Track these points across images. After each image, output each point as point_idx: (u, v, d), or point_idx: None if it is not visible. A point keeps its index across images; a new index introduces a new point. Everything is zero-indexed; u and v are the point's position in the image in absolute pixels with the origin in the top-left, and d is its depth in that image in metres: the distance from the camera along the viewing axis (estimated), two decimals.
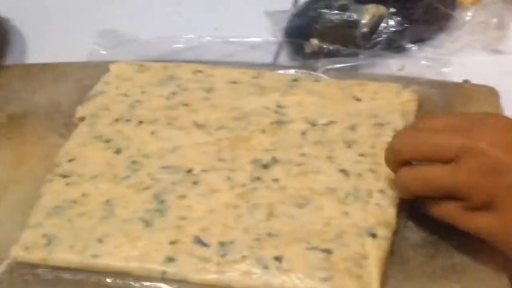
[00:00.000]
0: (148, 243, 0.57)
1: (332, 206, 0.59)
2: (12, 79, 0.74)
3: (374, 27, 0.74)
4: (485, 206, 0.52)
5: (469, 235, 0.54)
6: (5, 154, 0.67)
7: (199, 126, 0.66)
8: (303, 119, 0.66)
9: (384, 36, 0.73)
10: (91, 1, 0.86)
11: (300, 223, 0.58)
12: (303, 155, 0.63)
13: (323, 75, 0.70)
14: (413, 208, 0.58)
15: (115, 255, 0.57)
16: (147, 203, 0.60)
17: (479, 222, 0.53)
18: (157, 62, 0.73)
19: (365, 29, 0.74)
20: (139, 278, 0.56)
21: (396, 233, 0.58)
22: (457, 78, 0.70)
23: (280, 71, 0.71)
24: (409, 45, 0.75)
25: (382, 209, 0.58)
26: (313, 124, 0.65)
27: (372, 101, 0.67)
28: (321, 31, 0.74)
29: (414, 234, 0.57)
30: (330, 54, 0.73)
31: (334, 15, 0.74)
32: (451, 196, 0.54)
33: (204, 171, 0.62)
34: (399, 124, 0.64)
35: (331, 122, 0.65)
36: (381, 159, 0.61)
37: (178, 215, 0.59)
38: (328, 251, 0.56)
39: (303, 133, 0.64)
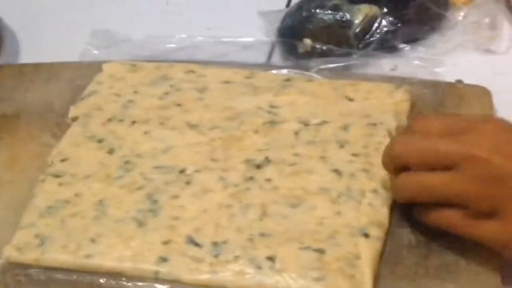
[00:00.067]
0: (141, 243, 0.57)
1: (325, 206, 0.59)
2: (4, 78, 0.74)
3: (367, 27, 0.74)
4: (488, 214, 0.52)
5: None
6: None
7: (192, 126, 0.66)
8: (296, 119, 0.66)
9: (377, 36, 0.74)
10: (84, 1, 0.86)
11: (293, 223, 0.58)
12: (296, 155, 0.63)
13: (316, 75, 0.70)
14: (406, 208, 0.58)
15: (108, 255, 0.57)
16: (140, 203, 0.60)
17: (481, 230, 0.53)
18: (150, 62, 0.73)
19: (358, 29, 0.74)
20: (132, 278, 0.56)
21: (389, 233, 0.58)
22: (450, 78, 0.70)
23: (273, 71, 0.71)
24: (401, 45, 0.75)
25: (375, 209, 0.58)
26: (306, 124, 0.65)
27: (365, 101, 0.67)
28: (314, 31, 0.74)
29: (407, 234, 0.58)
30: (323, 54, 0.73)
31: (327, 15, 0.74)
32: (450, 203, 0.54)
33: (197, 171, 0.62)
34: (391, 124, 0.65)
35: (324, 122, 0.65)
36: (374, 159, 0.61)
37: (171, 215, 0.59)
38: (321, 251, 0.56)
39: (296, 133, 0.65)
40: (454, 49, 0.75)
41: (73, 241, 0.58)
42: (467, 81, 0.69)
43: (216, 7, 0.83)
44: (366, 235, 0.57)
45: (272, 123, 0.66)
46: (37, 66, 0.74)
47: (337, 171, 0.61)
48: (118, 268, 0.56)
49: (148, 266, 0.56)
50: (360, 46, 0.73)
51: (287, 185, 0.60)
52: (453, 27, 0.76)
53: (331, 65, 0.72)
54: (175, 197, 0.60)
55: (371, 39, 0.74)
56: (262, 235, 0.57)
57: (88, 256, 0.57)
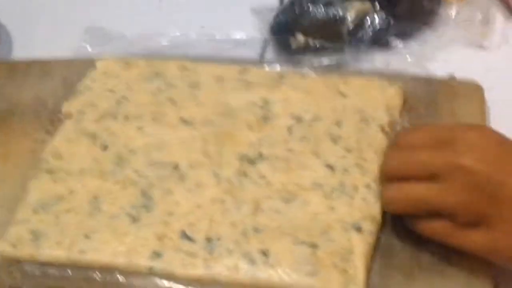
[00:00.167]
0: (135, 239, 0.58)
1: (318, 201, 0.59)
2: None
3: (359, 23, 0.74)
4: (475, 223, 0.53)
5: None
6: None
7: (185, 122, 0.66)
8: (289, 115, 0.66)
9: (370, 32, 0.74)
10: None
11: (286, 218, 0.58)
12: (289, 150, 0.63)
13: (309, 71, 0.70)
14: None
15: (102, 251, 0.57)
16: (133, 199, 0.60)
17: (469, 239, 0.53)
18: (143, 58, 0.73)
19: (350, 25, 0.74)
20: (126, 273, 0.56)
21: (382, 227, 0.58)
22: (442, 73, 0.70)
23: (266, 67, 0.71)
24: (394, 41, 0.75)
25: (368, 204, 0.59)
26: (299, 120, 0.65)
27: (358, 97, 0.67)
28: (307, 27, 0.74)
29: (400, 228, 0.58)
30: (316, 50, 0.73)
31: (319, 11, 0.74)
32: (437, 213, 0.54)
33: (190, 166, 0.62)
34: (384, 119, 0.65)
35: (317, 118, 0.65)
36: (367, 154, 0.62)
37: (165, 211, 0.59)
38: (314, 246, 0.56)
39: (289, 128, 0.65)
40: (447, 45, 0.75)
41: (67, 236, 0.58)
42: (459, 76, 0.70)
43: (209, 4, 0.83)
44: (359, 230, 0.57)
45: (265, 119, 0.66)
46: (30, 63, 0.74)
47: (330, 167, 0.61)
48: (112, 264, 0.57)
49: (142, 261, 0.56)
50: (353, 42, 0.73)
51: (281, 181, 0.61)
52: (445, 23, 0.76)
53: (324, 61, 0.72)
54: (169, 192, 0.60)
55: (364, 35, 0.74)
56: (256, 230, 0.57)
57: (82, 251, 0.57)
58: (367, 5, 0.74)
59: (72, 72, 0.72)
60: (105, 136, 0.65)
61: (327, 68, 0.72)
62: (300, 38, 0.74)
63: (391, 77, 0.69)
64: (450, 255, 0.55)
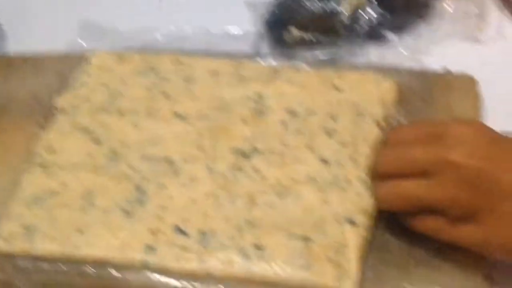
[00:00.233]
0: (128, 233, 0.57)
1: (312, 195, 0.59)
2: None
3: (354, 17, 0.74)
4: (466, 218, 0.53)
5: None
6: None
7: (179, 116, 0.66)
8: (284, 109, 0.66)
9: (365, 25, 0.74)
10: None
11: (281, 212, 0.58)
12: (283, 144, 0.63)
13: (303, 65, 0.70)
14: None
15: (96, 245, 0.57)
16: (127, 194, 0.60)
17: (462, 234, 0.53)
18: (137, 53, 0.73)
19: (345, 19, 0.74)
20: (120, 267, 0.56)
21: (376, 221, 0.58)
22: (437, 67, 0.70)
23: (261, 61, 0.71)
24: (389, 35, 0.75)
25: (362, 197, 0.58)
26: (294, 114, 0.65)
27: (352, 91, 0.67)
28: (301, 21, 0.74)
29: (393, 221, 0.58)
30: (310, 44, 0.73)
31: (314, 5, 0.74)
32: (429, 209, 0.54)
33: (184, 161, 0.62)
34: (379, 113, 0.65)
35: (311, 112, 0.65)
36: (361, 148, 0.62)
37: (159, 205, 0.59)
38: (308, 240, 0.56)
39: (284, 123, 0.65)
40: (442, 39, 0.75)
41: (60, 231, 0.58)
42: (454, 70, 0.69)
43: None
44: (353, 223, 0.57)
45: (260, 113, 0.66)
46: (24, 57, 0.74)
47: (324, 161, 0.61)
48: (106, 258, 0.57)
49: (136, 255, 0.56)
50: (348, 35, 0.73)
51: (275, 175, 0.61)
52: (440, 17, 0.76)
53: (318, 55, 0.72)
54: (163, 187, 0.60)
55: (359, 29, 0.74)
56: (250, 224, 0.57)
57: (76, 246, 0.57)
58: None
59: (66, 66, 0.72)
60: (99, 131, 0.65)
61: (322, 62, 0.71)
62: (295, 32, 0.74)
63: (386, 71, 0.69)
64: (444, 249, 0.55)
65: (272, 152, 0.62)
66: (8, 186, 0.62)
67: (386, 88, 0.67)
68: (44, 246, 0.57)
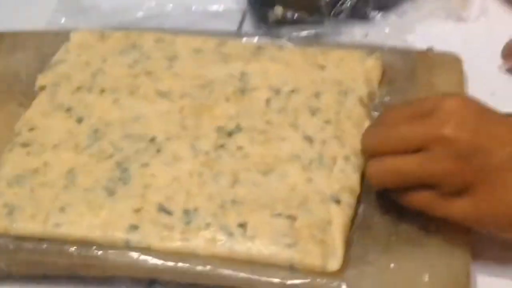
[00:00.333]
0: (111, 212, 0.57)
1: (296, 173, 0.58)
2: None
3: None
4: (458, 192, 0.52)
5: None
6: None
7: (162, 94, 0.65)
8: (267, 87, 0.65)
9: (349, 3, 0.73)
10: None
11: (265, 190, 0.58)
12: (267, 122, 0.62)
13: (287, 43, 0.70)
14: None
15: (78, 224, 0.56)
16: (109, 172, 0.59)
17: (453, 208, 0.53)
18: (119, 30, 0.72)
19: None
20: (102, 246, 0.56)
21: (360, 199, 0.58)
22: (421, 45, 0.70)
23: (244, 39, 0.71)
24: (373, 13, 0.74)
25: (347, 176, 0.58)
26: (277, 92, 0.65)
27: (336, 69, 0.66)
28: None
29: (378, 199, 0.57)
30: (294, 22, 0.72)
31: None
32: (422, 185, 0.54)
33: (167, 139, 0.61)
34: (363, 91, 0.64)
35: (295, 90, 0.65)
36: (346, 126, 0.61)
37: (142, 184, 0.58)
38: (292, 218, 0.56)
39: (267, 100, 0.64)
40: (425, 17, 0.75)
41: (42, 210, 0.57)
42: (438, 48, 0.69)
43: None
44: (338, 202, 0.57)
45: (243, 91, 0.65)
46: (1, 35, 0.73)
47: (308, 138, 0.61)
48: (88, 237, 0.56)
49: (119, 234, 0.56)
50: (332, 13, 0.73)
51: (259, 153, 0.60)
52: None
53: (302, 33, 0.71)
54: (146, 165, 0.60)
55: (343, 6, 0.73)
56: (234, 202, 0.57)
57: (57, 225, 0.56)
58: None
59: (46, 44, 0.71)
60: (80, 109, 0.64)
61: (305, 40, 0.71)
62: (279, 10, 0.73)
63: (370, 49, 0.69)
64: (428, 224, 0.55)
65: (256, 130, 0.62)
66: None
67: (371, 66, 0.67)
68: (25, 224, 0.56)
